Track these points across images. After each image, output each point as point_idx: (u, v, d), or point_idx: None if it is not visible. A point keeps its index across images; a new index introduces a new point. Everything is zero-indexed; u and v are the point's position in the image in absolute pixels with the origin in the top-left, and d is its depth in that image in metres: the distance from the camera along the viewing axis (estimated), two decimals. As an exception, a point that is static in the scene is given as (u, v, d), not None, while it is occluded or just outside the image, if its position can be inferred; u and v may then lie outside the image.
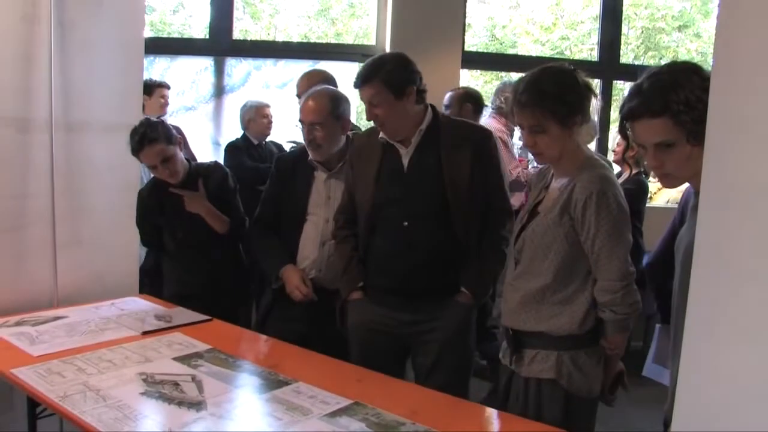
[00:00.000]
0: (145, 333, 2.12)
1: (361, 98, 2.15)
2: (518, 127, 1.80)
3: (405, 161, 2.15)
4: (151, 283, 2.87)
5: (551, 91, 1.72)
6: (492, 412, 1.72)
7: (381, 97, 2.07)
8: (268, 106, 4.03)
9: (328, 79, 3.02)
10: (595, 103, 1.79)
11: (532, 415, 1.76)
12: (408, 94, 2.09)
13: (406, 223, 2.12)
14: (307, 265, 2.41)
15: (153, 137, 2.42)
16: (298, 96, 3.00)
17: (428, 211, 2.11)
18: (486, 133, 2.26)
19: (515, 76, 5.07)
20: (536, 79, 1.75)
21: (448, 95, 3.75)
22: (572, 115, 1.73)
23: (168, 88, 3.98)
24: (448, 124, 2.21)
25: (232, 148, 3.93)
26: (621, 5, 4.88)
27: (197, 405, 1.59)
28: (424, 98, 2.16)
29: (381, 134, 2.18)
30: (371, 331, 2.19)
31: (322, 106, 2.35)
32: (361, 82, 2.10)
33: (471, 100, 3.70)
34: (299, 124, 2.41)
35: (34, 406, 1.92)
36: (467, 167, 2.10)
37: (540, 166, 2.52)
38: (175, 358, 1.89)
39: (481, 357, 3.77)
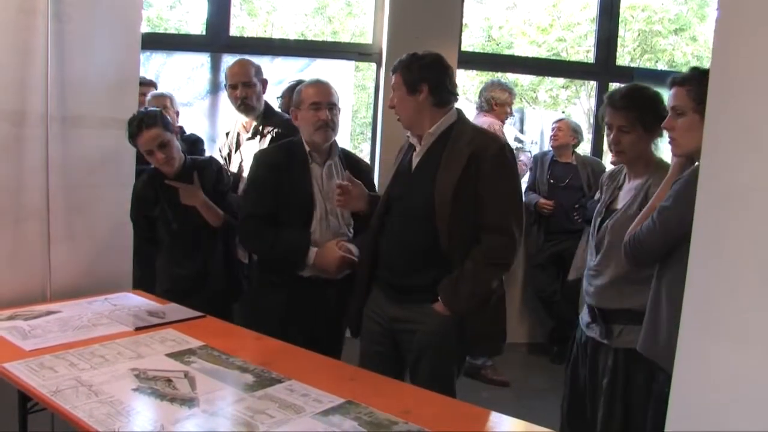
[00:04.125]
0: (138, 329, 2.11)
1: None
2: (607, 127, 2.14)
3: (414, 162, 2.22)
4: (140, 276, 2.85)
5: (645, 101, 2.08)
6: (484, 413, 1.73)
7: (397, 87, 2.21)
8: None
9: None
10: None
11: (621, 383, 2.04)
12: (420, 91, 2.15)
13: (399, 221, 2.20)
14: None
15: (151, 122, 2.44)
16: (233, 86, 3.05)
17: (419, 214, 2.14)
18: (490, 145, 2.13)
19: (511, 76, 5.10)
20: (632, 89, 2.12)
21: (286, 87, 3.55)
22: (657, 124, 2.02)
23: (153, 86, 3.92)
24: (460, 131, 2.17)
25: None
26: (618, 7, 4.89)
27: (189, 402, 1.58)
28: (445, 102, 2.19)
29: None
30: (369, 319, 2.29)
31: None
32: (392, 71, 2.25)
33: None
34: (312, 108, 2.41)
35: (26, 401, 1.91)
36: (454, 179, 2.07)
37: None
38: (168, 355, 1.89)
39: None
